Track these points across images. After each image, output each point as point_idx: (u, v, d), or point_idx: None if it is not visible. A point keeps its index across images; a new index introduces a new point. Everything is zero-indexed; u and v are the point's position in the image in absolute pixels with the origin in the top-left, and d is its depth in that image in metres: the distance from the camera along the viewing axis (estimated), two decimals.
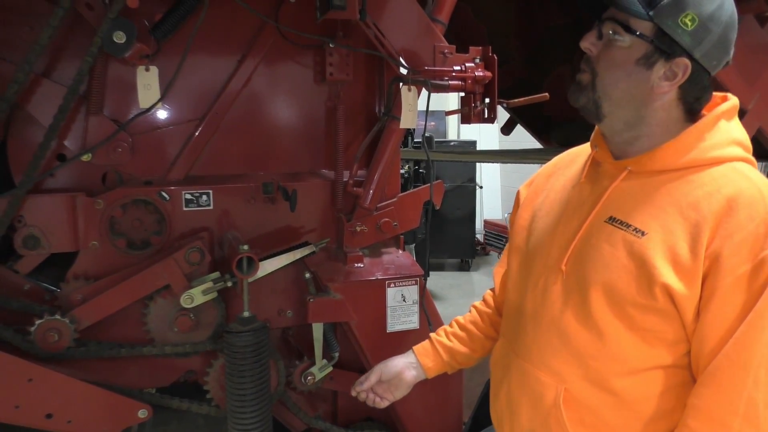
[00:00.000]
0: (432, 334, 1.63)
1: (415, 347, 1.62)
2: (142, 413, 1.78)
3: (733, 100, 1.17)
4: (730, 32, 1.07)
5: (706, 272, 1.02)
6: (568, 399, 1.16)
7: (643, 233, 1.08)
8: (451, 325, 1.62)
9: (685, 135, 1.10)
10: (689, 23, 1.03)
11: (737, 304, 1.00)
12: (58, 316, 1.70)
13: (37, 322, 1.69)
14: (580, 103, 1.16)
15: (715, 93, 1.18)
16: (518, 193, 1.46)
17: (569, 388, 1.16)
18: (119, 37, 1.61)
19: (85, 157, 1.78)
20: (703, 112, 1.15)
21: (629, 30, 1.07)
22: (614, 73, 1.11)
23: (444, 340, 1.59)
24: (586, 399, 1.15)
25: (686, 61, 1.06)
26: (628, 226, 1.10)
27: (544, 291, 1.22)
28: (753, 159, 1.14)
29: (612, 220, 1.13)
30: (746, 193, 1.03)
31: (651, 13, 1.04)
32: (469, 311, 1.64)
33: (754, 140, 2.36)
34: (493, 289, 1.60)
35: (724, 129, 1.12)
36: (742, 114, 2.26)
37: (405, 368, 1.59)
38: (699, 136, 1.10)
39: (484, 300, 1.62)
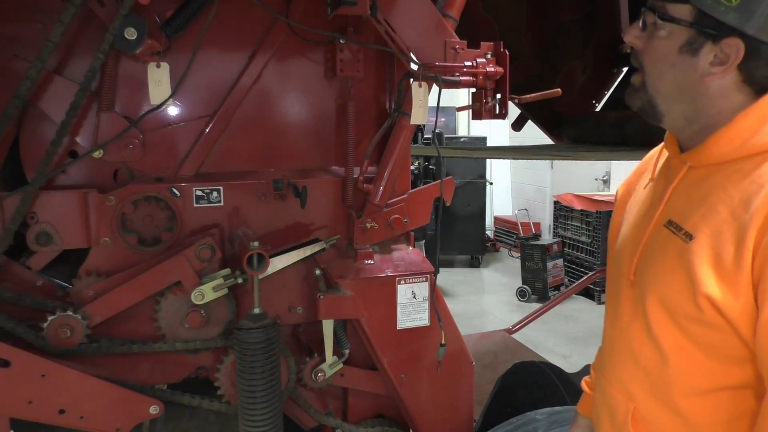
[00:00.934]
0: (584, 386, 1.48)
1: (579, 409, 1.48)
2: (154, 409, 1.79)
3: None
4: None
5: (757, 277, 0.89)
6: (637, 418, 1.10)
7: (691, 237, 0.98)
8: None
9: (740, 118, 0.97)
10: None
11: None
12: (70, 313, 1.71)
13: (50, 318, 1.69)
14: (637, 106, 1.08)
15: None
16: (617, 193, 1.37)
17: (638, 406, 1.09)
18: (130, 34, 1.61)
19: (97, 154, 1.79)
20: None
21: (666, 17, 0.98)
22: (658, 66, 1.02)
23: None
24: (654, 418, 1.08)
25: (736, 40, 0.94)
26: (680, 229, 1.01)
27: (616, 301, 1.17)
28: None
29: (670, 223, 1.04)
30: None
31: None
32: None
33: None
34: None
35: None
36: None
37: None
38: (761, 117, 0.96)
39: None
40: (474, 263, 8.39)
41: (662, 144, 1.23)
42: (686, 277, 0.97)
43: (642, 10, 1.03)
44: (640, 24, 1.04)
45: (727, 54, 0.96)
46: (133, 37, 1.62)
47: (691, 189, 1.04)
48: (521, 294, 7.08)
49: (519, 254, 7.58)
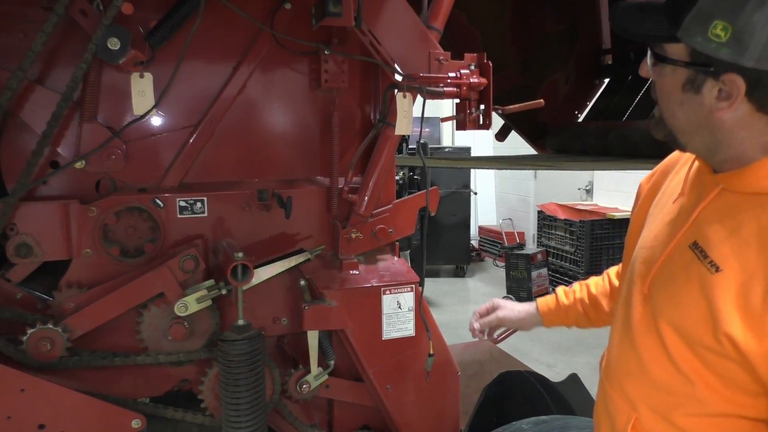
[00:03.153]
0: (559, 292, 1.70)
1: (540, 302, 1.72)
2: (136, 423, 1.76)
3: None
4: None
5: None
6: (637, 427, 1.09)
7: (717, 269, 0.95)
8: (580, 289, 1.66)
9: None
10: (722, 34, 0.89)
11: None
12: (50, 325, 1.68)
13: (30, 331, 1.67)
14: (660, 136, 1.06)
15: None
16: (639, 186, 1.34)
17: (639, 417, 1.09)
18: (114, 44, 1.60)
19: (79, 165, 1.77)
20: None
21: (663, 58, 0.98)
22: (668, 104, 1.01)
23: (563, 299, 1.66)
24: (653, 430, 1.08)
25: (733, 76, 0.91)
26: (706, 257, 0.98)
27: (628, 308, 1.15)
28: None
29: (695, 246, 1.01)
30: None
31: (678, 34, 0.93)
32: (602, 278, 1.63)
33: None
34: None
35: None
36: None
37: (527, 318, 1.74)
38: None
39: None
40: (459, 273, 8.40)
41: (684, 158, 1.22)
42: (707, 310, 0.95)
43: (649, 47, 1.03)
44: (648, 61, 1.02)
45: (731, 88, 0.93)
46: (117, 48, 1.61)
47: (722, 214, 1.00)
48: None
49: (504, 264, 7.60)
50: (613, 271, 1.61)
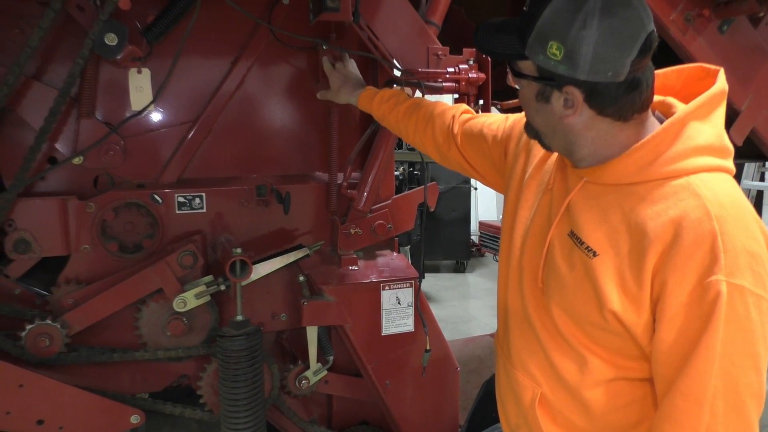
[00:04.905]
0: (384, 92, 1.72)
1: (367, 91, 1.75)
2: (135, 419, 1.77)
3: (717, 86, 1.07)
4: (608, 41, 0.97)
5: (654, 298, 1.00)
6: (543, 402, 1.20)
7: (594, 254, 1.06)
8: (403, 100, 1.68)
9: (640, 147, 1.04)
10: (557, 53, 1.00)
11: (683, 332, 0.97)
12: (49, 321, 1.69)
13: (28, 327, 1.67)
14: (531, 136, 1.18)
15: (702, 65, 1.12)
16: (513, 123, 1.42)
17: (544, 392, 1.19)
18: (111, 39, 1.60)
19: (77, 160, 1.77)
20: (678, 105, 1.09)
21: (517, 73, 1.09)
22: (527, 110, 1.14)
23: (385, 103, 1.69)
24: (559, 404, 1.18)
25: (572, 88, 1.03)
26: (582, 243, 1.08)
27: (522, 297, 1.24)
28: (726, 164, 1.06)
29: (572, 235, 1.12)
30: (692, 215, 0.97)
31: (525, 51, 1.04)
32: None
33: (748, 140, 2.36)
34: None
35: (690, 135, 1.04)
36: (735, 114, 2.26)
37: (353, 88, 1.79)
38: (656, 147, 1.03)
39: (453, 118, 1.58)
40: (459, 268, 8.40)
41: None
42: (593, 292, 1.06)
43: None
44: (510, 74, 1.13)
45: (573, 97, 1.04)
46: (114, 43, 1.61)
47: (589, 203, 1.11)
48: None
49: None
50: (459, 116, 1.59)
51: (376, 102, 1.72)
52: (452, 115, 1.58)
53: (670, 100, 1.14)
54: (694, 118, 1.05)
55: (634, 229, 1.02)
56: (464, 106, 1.63)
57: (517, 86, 1.14)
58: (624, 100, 1.03)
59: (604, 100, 1.03)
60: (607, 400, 1.12)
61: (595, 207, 1.09)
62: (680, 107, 1.09)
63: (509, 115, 1.46)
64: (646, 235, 1.00)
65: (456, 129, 1.55)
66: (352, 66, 1.91)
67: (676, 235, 0.97)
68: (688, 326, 0.96)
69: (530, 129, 1.17)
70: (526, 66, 1.07)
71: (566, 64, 1.00)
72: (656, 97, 1.11)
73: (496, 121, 1.49)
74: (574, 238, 1.11)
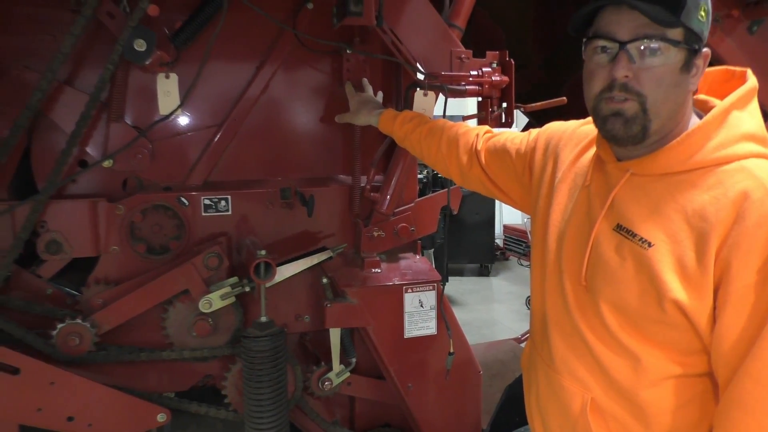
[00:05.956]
0: (406, 113, 1.76)
1: (387, 112, 1.79)
2: (161, 417, 1.80)
3: (749, 83, 1.09)
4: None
5: (717, 282, 0.98)
6: (594, 408, 1.14)
7: (649, 244, 1.03)
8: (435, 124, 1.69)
9: (689, 135, 1.04)
10: (704, 14, 1.02)
11: (751, 314, 0.95)
12: (79, 320, 1.73)
13: (59, 326, 1.71)
14: (633, 132, 1.05)
15: (727, 68, 1.14)
16: (537, 135, 1.40)
17: (595, 397, 1.14)
18: (140, 45, 1.63)
19: (107, 163, 1.81)
20: (714, 100, 1.10)
21: (669, 41, 1.01)
22: (663, 89, 1.03)
23: (408, 123, 1.71)
24: (612, 409, 1.13)
25: (707, 50, 1.05)
26: (634, 235, 1.06)
27: (564, 300, 1.19)
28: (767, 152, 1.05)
29: (619, 228, 1.09)
30: (754, 195, 0.96)
31: (680, 17, 1.00)
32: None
33: None
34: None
35: (734, 123, 1.04)
36: (764, 116, 2.22)
37: (371, 111, 1.84)
38: (705, 135, 1.03)
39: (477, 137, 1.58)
40: (483, 272, 8.35)
41: (583, 129, 1.32)
42: (649, 283, 1.02)
43: (620, 48, 1.03)
44: (627, 57, 1.03)
45: (699, 66, 1.05)
46: (143, 49, 1.64)
47: (636, 195, 1.09)
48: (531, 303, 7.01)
49: (528, 263, 7.53)
50: (483, 135, 1.59)
51: (398, 122, 1.73)
52: (476, 134, 1.59)
53: (702, 96, 1.13)
54: (735, 108, 1.06)
55: (692, 216, 1.00)
56: (487, 127, 1.64)
57: (629, 72, 1.03)
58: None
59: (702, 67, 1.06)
60: (664, 399, 1.08)
61: (643, 198, 1.07)
62: (716, 101, 1.09)
63: (532, 130, 1.45)
64: (707, 220, 0.98)
65: (480, 146, 1.55)
66: (370, 91, 1.97)
67: (739, 217, 0.96)
68: (756, 307, 0.94)
69: (638, 122, 1.04)
70: (675, 33, 1.01)
71: (707, 26, 1.02)
72: None
73: (519, 136, 1.48)
74: (624, 231, 1.08)
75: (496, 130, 1.64)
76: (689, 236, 1.00)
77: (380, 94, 1.99)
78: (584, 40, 1.11)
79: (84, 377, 1.72)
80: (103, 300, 1.80)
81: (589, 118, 1.32)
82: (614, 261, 1.08)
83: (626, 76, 1.03)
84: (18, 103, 1.69)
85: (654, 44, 1.01)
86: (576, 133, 1.32)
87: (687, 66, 1.03)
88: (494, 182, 1.52)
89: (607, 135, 1.09)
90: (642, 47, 1.02)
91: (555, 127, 1.40)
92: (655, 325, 1.04)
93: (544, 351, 1.27)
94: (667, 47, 1.01)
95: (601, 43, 1.05)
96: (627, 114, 1.05)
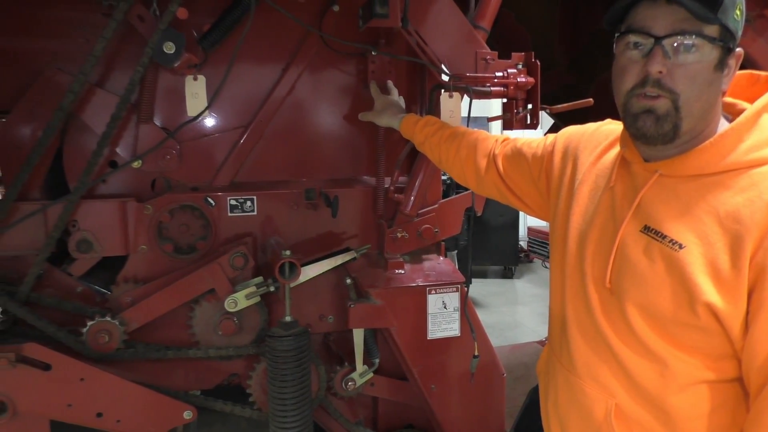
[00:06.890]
0: (428, 118, 1.79)
1: (410, 117, 1.82)
2: (188, 414, 1.82)
3: None
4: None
5: (752, 286, 0.95)
6: (618, 414, 1.11)
7: (680, 246, 1.01)
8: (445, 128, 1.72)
9: (722, 137, 1.02)
10: (739, 13, 1.01)
11: None
12: (108, 318, 1.76)
13: (89, 323, 1.75)
14: (664, 130, 1.04)
15: (752, 72, 1.13)
16: (555, 139, 1.39)
17: (620, 403, 1.11)
18: (169, 48, 1.66)
19: (136, 164, 1.85)
20: (743, 103, 1.09)
21: (705, 37, 0.99)
22: (697, 87, 1.01)
23: (429, 127, 1.73)
24: (637, 415, 1.10)
25: (740, 50, 1.04)
26: (664, 237, 1.04)
27: (587, 303, 1.17)
28: None
29: (647, 229, 1.07)
30: None
31: (718, 14, 0.98)
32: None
33: None
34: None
35: (766, 126, 1.03)
36: None
37: (395, 113, 1.86)
38: (738, 137, 1.02)
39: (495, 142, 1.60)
40: (507, 274, 8.30)
41: (602, 129, 1.30)
42: (680, 286, 1.00)
43: (655, 43, 1.01)
44: (663, 53, 1.02)
45: (731, 65, 1.04)
46: (172, 51, 1.66)
47: (665, 197, 1.07)
48: None
49: None
50: (501, 141, 1.60)
51: (420, 125, 1.75)
52: (495, 140, 1.60)
53: (729, 99, 1.12)
54: (766, 111, 1.05)
55: (725, 217, 0.98)
56: (507, 135, 1.64)
57: (663, 68, 1.01)
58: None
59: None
60: (692, 405, 1.05)
61: (673, 200, 1.05)
62: (745, 104, 1.08)
63: (549, 135, 1.44)
64: (741, 222, 0.96)
65: (497, 151, 1.55)
66: (395, 93, 1.99)
67: None
68: None
69: (670, 120, 1.03)
70: (711, 29, 1.00)
71: (740, 25, 1.01)
72: None
73: (536, 140, 1.48)
74: (652, 232, 1.06)
75: (519, 132, 1.64)
76: (722, 239, 0.98)
77: (401, 99, 1.99)
78: (616, 35, 1.08)
79: (113, 374, 1.76)
80: (131, 298, 1.83)
81: (608, 120, 1.32)
82: (643, 263, 1.06)
83: (660, 72, 1.01)
84: (51, 104, 1.73)
85: (689, 40, 0.99)
86: (595, 135, 1.31)
87: (721, 65, 1.02)
88: (509, 187, 1.51)
89: (637, 133, 1.07)
90: (676, 43, 1.00)
91: (573, 130, 1.39)
92: (684, 328, 1.01)
93: (563, 356, 1.24)
94: (702, 44, 0.99)
95: (635, 38, 1.03)
96: (659, 111, 1.03)
